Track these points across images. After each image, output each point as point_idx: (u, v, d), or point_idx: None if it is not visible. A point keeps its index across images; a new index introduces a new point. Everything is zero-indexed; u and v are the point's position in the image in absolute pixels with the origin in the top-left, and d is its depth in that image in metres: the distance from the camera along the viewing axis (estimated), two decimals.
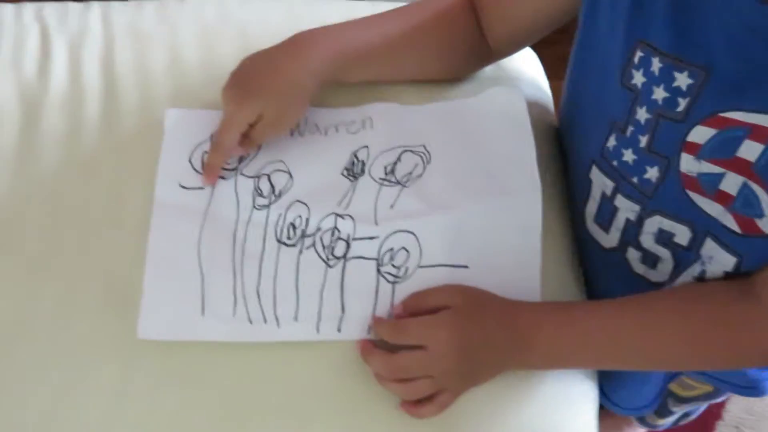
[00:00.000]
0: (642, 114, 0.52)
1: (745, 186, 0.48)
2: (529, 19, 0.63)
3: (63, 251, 0.61)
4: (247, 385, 0.57)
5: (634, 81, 0.51)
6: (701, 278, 0.55)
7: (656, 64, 0.49)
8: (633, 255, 0.60)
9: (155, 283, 0.58)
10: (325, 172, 0.63)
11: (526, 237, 0.60)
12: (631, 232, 0.59)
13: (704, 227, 0.53)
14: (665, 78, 0.49)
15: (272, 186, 0.62)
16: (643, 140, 0.53)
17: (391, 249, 0.59)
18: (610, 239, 0.62)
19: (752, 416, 1.24)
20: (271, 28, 0.71)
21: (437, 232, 0.59)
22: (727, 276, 0.53)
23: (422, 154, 0.63)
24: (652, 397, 0.77)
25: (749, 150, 0.47)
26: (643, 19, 0.49)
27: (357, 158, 0.64)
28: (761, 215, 0.48)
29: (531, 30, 0.64)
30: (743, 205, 0.49)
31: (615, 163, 0.56)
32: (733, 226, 0.50)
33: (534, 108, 0.68)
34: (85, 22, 0.73)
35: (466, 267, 0.59)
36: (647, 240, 0.58)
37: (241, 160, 0.64)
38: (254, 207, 0.62)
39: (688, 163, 0.50)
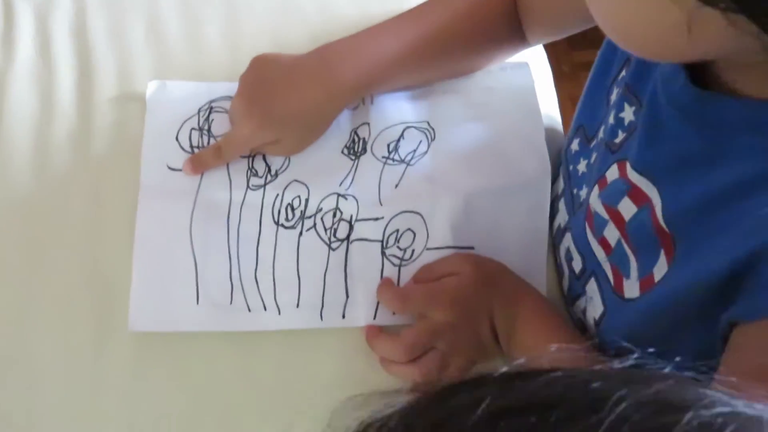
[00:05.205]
0: (601, 132, 0.50)
1: (619, 242, 0.47)
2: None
3: (41, 242, 0.56)
4: (244, 376, 0.54)
5: (612, 96, 0.49)
6: (584, 314, 0.53)
7: (621, 90, 0.48)
8: (559, 254, 0.59)
9: (145, 272, 0.55)
10: (324, 151, 0.59)
11: (533, 219, 0.58)
12: (558, 237, 0.58)
13: (591, 266, 0.51)
14: (619, 105, 0.47)
15: (268, 165, 0.59)
16: (593, 158, 0.51)
17: (397, 230, 0.57)
18: (552, 226, 0.60)
19: None
20: None
21: (445, 213, 0.57)
22: (596, 325, 0.50)
23: (426, 131, 0.61)
24: None
25: (626, 207, 0.46)
26: None
27: (358, 136, 0.60)
28: (628, 276, 0.46)
29: (579, 19, 0.57)
30: (618, 260, 0.47)
31: (570, 167, 0.55)
32: (610, 276, 0.48)
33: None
34: None
35: (471, 248, 0.57)
36: (562, 251, 0.57)
37: None
38: (248, 187, 0.58)
39: (594, 198, 0.49)
